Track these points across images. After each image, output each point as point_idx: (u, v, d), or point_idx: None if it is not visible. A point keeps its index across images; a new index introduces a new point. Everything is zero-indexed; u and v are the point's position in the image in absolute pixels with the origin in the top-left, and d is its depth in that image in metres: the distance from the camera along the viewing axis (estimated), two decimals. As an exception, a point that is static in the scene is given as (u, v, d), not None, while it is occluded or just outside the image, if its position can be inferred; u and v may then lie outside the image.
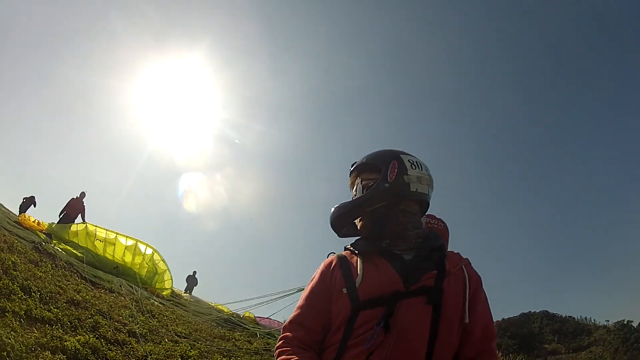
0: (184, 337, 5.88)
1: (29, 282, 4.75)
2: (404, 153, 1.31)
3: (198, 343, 5.81)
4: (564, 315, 30.02)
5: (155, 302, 8.02)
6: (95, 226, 10.21)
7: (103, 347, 4.09)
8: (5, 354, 3.08)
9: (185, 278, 17.55)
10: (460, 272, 1.19)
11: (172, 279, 10.66)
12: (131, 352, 4.35)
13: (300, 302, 1.27)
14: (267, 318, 11.48)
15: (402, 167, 1.26)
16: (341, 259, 1.27)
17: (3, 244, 5.95)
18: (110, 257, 9.62)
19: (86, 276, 7.06)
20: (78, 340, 3.89)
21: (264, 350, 6.66)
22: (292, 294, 7.52)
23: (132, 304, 6.34)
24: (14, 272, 4.79)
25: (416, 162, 1.29)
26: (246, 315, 11.24)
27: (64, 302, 4.86)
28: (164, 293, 9.98)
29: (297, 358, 1.12)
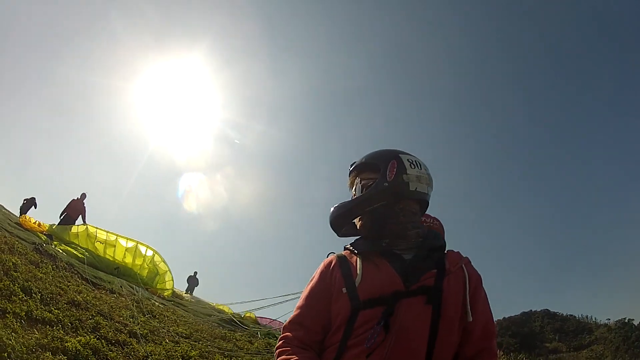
0: (185, 338, 5.88)
1: (29, 283, 4.75)
2: (403, 152, 1.31)
3: (199, 343, 5.82)
4: (565, 314, 30.10)
5: (156, 303, 8.02)
6: (96, 228, 10.24)
7: (104, 347, 4.09)
8: (6, 354, 3.08)
9: (186, 279, 17.56)
10: (460, 271, 1.19)
11: (173, 280, 10.68)
12: (132, 353, 4.35)
13: (300, 302, 1.27)
14: (268, 318, 11.50)
15: (401, 167, 1.26)
16: (341, 259, 1.27)
17: (4, 245, 5.96)
18: (110, 259, 9.63)
19: (87, 277, 7.07)
20: (79, 341, 3.89)
21: (264, 350, 6.67)
22: (294, 298, 7.51)
23: (133, 305, 6.35)
24: (15, 273, 4.80)
25: (415, 161, 1.29)
26: (247, 315, 11.27)
27: (65, 303, 4.87)
28: (165, 294, 10.00)
29: (297, 358, 1.12)
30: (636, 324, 24.44)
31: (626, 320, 25.05)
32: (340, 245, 1.35)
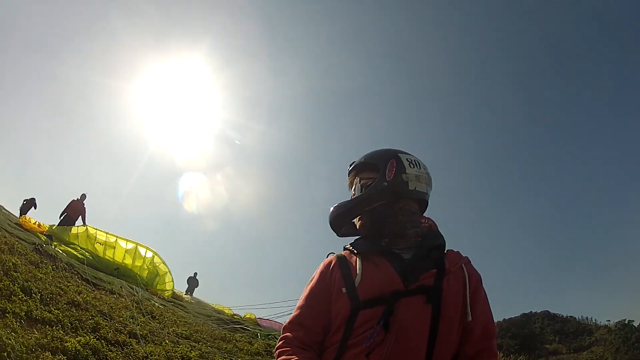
0: (185, 338, 5.88)
1: (29, 283, 4.75)
2: (402, 152, 1.31)
3: (199, 344, 5.81)
4: (565, 315, 29.99)
5: (156, 304, 8.02)
6: (96, 229, 10.24)
7: (104, 348, 4.09)
8: (5, 354, 3.08)
9: (187, 279, 17.57)
10: (460, 271, 1.19)
11: (173, 281, 10.68)
12: (132, 353, 4.35)
13: (299, 302, 1.27)
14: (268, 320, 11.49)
15: (400, 166, 1.26)
16: (340, 259, 1.27)
17: (4, 245, 5.96)
18: (110, 260, 9.63)
19: (87, 277, 7.07)
20: (78, 341, 3.89)
21: (264, 351, 6.66)
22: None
23: (132, 306, 6.34)
24: (15, 274, 4.80)
25: (414, 160, 1.29)
26: (247, 316, 11.26)
27: (65, 303, 4.87)
28: (165, 294, 9.99)
29: (297, 358, 1.12)
30: (636, 325, 24.42)
31: (626, 322, 25.01)
32: (340, 245, 1.35)
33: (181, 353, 4.99)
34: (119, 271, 9.25)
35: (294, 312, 1.26)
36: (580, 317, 29.43)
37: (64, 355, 3.58)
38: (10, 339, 3.27)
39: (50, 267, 6.31)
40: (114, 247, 9.90)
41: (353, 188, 1.35)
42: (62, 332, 4.00)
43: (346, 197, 1.37)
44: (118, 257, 9.75)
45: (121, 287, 7.68)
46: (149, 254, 10.22)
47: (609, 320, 26.97)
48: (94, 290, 6.54)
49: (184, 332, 6.25)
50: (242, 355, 6.06)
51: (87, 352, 3.81)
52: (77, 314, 4.69)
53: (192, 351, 5.22)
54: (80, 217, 12.47)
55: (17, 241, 6.98)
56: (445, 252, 1.26)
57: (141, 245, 10.21)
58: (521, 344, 24.69)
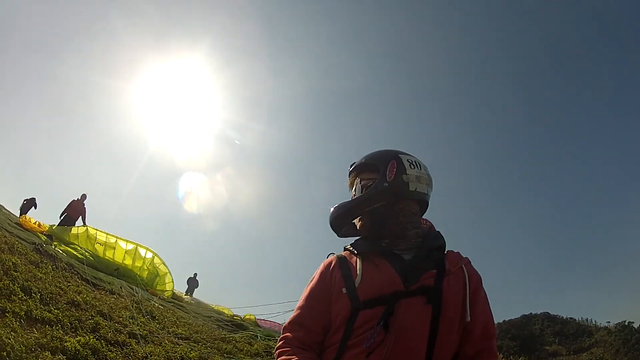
0: (185, 339, 5.87)
1: (29, 283, 4.75)
2: (402, 153, 1.31)
3: (198, 345, 5.81)
4: (564, 317, 30.02)
5: (156, 304, 8.01)
6: (96, 229, 10.24)
7: (103, 348, 4.09)
8: (5, 354, 3.08)
9: (186, 280, 17.56)
10: (460, 272, 1.19)
11: (173, 282, 10.67)
12: (131, 354, 4.35)
13: (300, 302, 1.27)
14: (268, 321, 11.48)
15: (400, 167, 1.26)
16: (341, 259, 1.27)
17: (4, 245, 5.96)
18: (110, 261, 9.63)
19: (87, 278, 7.07)
20: (78, 341, 3.89)
21: (264, 352, 6.66)
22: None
23: (132, 306, 6.34)
24: (15, 273, 4.80)
25: (415, 161, 1.29)
26: (247, 317, 11.26)
27: (65, 303, 4.86)
28: (165, 295, 9.99)
29: (297, 358, 1.12)
30: (636, 327, 24.42)
31: (626, 323, 25.03)
32: (340, 245, 1.35)
33: (181, 353, 4.98)
34: (119, 271, 9.25)
35: (294, 312, 1.26)
36: (580, 319, 29.48)
37: (63, 355, 3.58)
38: (10, 339, 3.27)
39: (50, 267, 6.31)
40: (114, 248, 9.90)
41: (353, 189, 1.35)
42: (61, 332, 4.00)
43: (346, 198, 1.37)
44: (118, 258, 9.76)
45: (121, 288, 7.67)
46: (149, 255, 10.22)
47: (609, 322, 27.00)
48: (93, 291, 6.54)
49: (183, 332, 6.24)
50: (242, 356, 6.05)
51: (86, 352, 3.81)
52: (76, 314, 4.69)
53: (191, 352, 5.22)
54: (80, 217, 12.48)
55: (17, 241, 6.98)
56: (445, 252, 1.26)
57: (141, 246, 10.21)
58: (521, 346, 24.67)
